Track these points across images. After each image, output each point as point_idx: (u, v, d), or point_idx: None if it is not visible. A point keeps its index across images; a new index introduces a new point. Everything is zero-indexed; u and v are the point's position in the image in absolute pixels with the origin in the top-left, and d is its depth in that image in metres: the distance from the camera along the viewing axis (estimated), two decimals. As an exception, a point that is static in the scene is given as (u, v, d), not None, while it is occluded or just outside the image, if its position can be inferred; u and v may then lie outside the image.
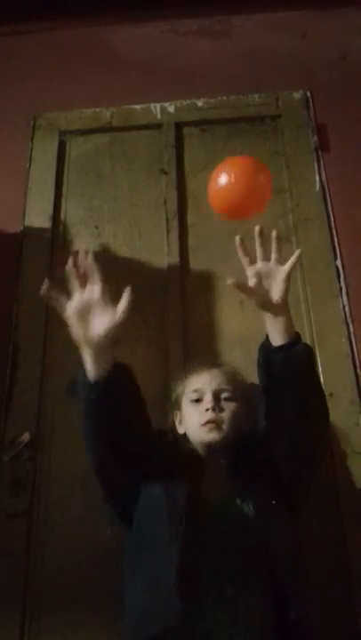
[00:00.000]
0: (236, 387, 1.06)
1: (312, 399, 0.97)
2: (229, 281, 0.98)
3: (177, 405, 1.10)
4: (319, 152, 1.58)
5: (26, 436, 1.30)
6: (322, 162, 1.57)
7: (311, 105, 1.65)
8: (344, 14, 1.80)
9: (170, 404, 1.13)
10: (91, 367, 0.93)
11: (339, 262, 1.43)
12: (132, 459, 0.96)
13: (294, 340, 0.94)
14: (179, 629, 0.80)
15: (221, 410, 1.01)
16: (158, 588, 0.84)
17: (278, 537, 0.91)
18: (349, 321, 1.36)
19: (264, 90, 1.68)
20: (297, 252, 0.99)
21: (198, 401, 1.04)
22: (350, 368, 1.31)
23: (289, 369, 0.93)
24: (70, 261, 0.97)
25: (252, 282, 1.00)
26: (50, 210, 1.56)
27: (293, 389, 0.94)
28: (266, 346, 0.97)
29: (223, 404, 1.02)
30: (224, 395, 1.03)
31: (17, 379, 1.37)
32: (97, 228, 1.56)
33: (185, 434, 1.06)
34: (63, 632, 1.15)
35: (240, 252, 1.01)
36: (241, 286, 0.99)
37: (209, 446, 1.01)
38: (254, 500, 0.94)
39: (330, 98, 1.66)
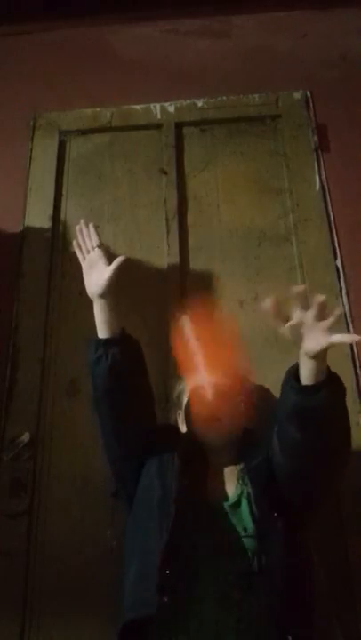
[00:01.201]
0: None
1: (327, 448, 0.86)
2: (267, 303, 0.89)
3: (179, 404, 1.10)
4: (319, 152, 1.58)
5: (26, 436, 1.30)
6: (322, 162, 1.57)
7: (311, 105, 1.65)
8: (344, 14, 1.80)
9: (172, 403, 1.14)
10: (101, 326, 1.04)
11: (339, 262, 1.43)
12: (139, 430, 1.01)
13: (319, 386, 0.83)
14: (163, 621, 0.82)
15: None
16: (144, 577, 0.87)
17: (278, 541, 0.90)
18: (349, 321, 1.36)
19: (264, 90, 1.68)
20: (337, 311, 0.86)
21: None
22: (350, 368, 1.31)
23: (303, 415, 0.84)
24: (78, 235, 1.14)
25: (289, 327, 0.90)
26: (50, 210, 1.56)
27: (307, 437, 0.84)
28: (290, 374, 0.89)
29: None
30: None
31: (17, 379, 1.37)
32: (97, 227, 1.55)
33: (188, 432, 1.06)
34: (63, 632, 1.15)
35: (272, 315, 0.90)
36: (275, 312, 0.90)
37: (211, 443, 1.02)
38: (257, 503, 0.93)
39: (330, 98, 1.66)
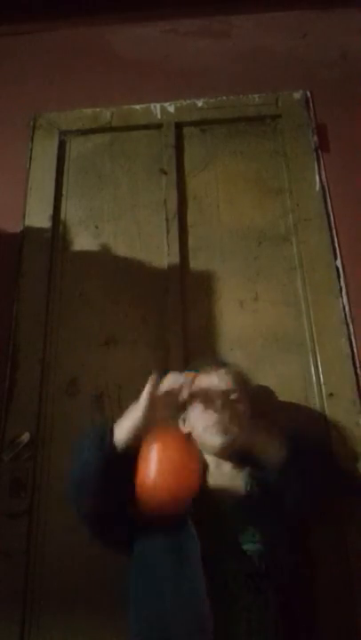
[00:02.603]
0: (243, 388, 1.06)
1: (322, 486, 0.99)
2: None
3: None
4: (319, 152, 1.58)
5: (26, 436, 1.30)
6: (322, 162, 1.56)
7: (311, 105, 1.65)
8: (344, 14, 1.80)
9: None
10: (126, 426, 0.96)
11: (339, 262, 1.43)
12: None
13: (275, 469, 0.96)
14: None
15: (229, 412, 1.01)
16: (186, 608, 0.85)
17: (282, 543, 0.92)
18: (349, 321, 1.36)
19: (264, 90, 1.68)
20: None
21: (206, 402, 1.03)
22: (350, 368, 1.31)
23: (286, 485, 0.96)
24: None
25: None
26: (50, 210, 1.56)
27: (297, 490, 0.96)
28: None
29: (231, 406, 1.02)
30: (232, 396, 1.03)
31: (17, 379, 1.37)
32: (97, 227, 1.56)
33: (190, 433, 1.05)
34: (63, 632, 1.15)
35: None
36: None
37: (217, 448, 1.02)
38: (263, 507, 0.95)
39: (330, 98, 1.66)
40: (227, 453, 1.03)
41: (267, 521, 0.94)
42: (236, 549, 0.90)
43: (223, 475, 1.03)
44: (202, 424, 1.02)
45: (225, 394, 1.02)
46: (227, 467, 1.04)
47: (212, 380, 1.05)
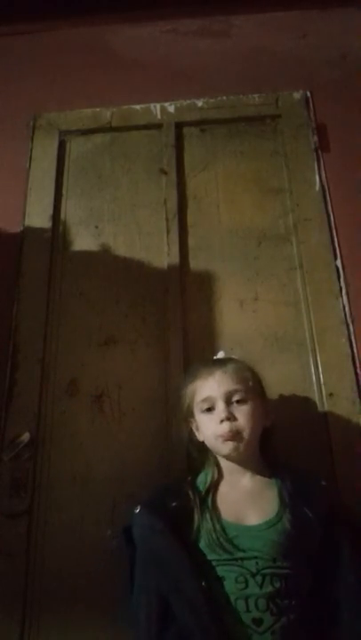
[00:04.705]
0: (247, 383, 1.00)
1: None
2: None
3: (190, 413, 1.06)
4: (319, 152, 1.58)
5: (26, 436, 1.30)
6: (322, 162, 1.56)
7: (311, 105, 1.65)
8: (344, 14, 1.80)
9: (180, 412, 1.09)
10: None
11: (339, 262, 1.43)
12: None
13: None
14: None
15: (236, 418, 0.97)
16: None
17: (303, 563, 0.90)
18: (349, 321, 1.36)
19: (264, 90, 1.68)
20: None
21: (210, 409, 1.00)
22: (350, 368, 1.31)
23: None
24: None
25: None
26: (50, 210, 1.56)
27: None
28: None
29: (236, 408, 0.98)
30: (236, 397, 0.98)
31: (17, 379, 1.37)
32: (97, 227, 1.56)
33: (203, 442, 1.04)
34: (63, 632, 1.15)
35: None
36: None
37: (229, 456, 0.99)
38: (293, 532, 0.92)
39: (330, 98, 1.66)
40: (244, 459, 1.00)
41: (291, 538, 0.90)
42: (257, 575, 0.88)
43: (242, 484, 0.99)
44: (210, 433, 0.99)
45: (227, 397, 0.99)
46: (248, 475, 1.00)
47: (211, 385, 1.01)
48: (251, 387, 1.01)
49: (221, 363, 1.06)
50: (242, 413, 0.98)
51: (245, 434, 0.97)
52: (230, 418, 0.97)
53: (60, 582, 1.19)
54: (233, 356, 1.14)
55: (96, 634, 1.13)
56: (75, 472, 1.28)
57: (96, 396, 1.35)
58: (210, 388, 1.01)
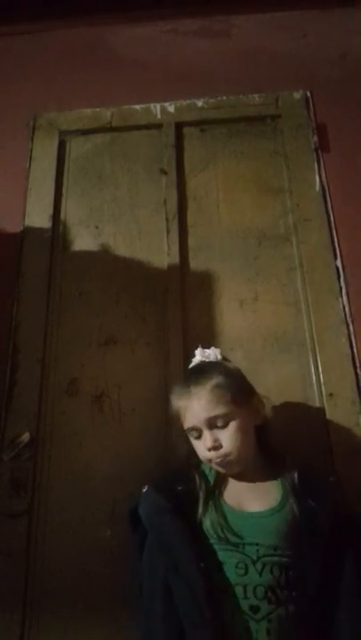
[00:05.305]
0: (226, 402, 0.98)
1: None
2: None
3: (185, 434, 1.05)
4: (319, 152, 1.58)
5: (26, 436, 1.30)
6: (322, 162, 1.56)
7: (311, 105, 1.65)
8: (344, 14, 1.80)
9: (177, 431, 1.08)
10: None
11: (339, 262, 1.43)
12: None
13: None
14: None
15: (222, 445, 0.96)
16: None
17: (310, 557, 0.90)
18: (349, 321, 1.36)
19: (264, 90, 1.68)
20: None
21: (199, 436, 1.00)
22: (350, 368, 1.31)
23: None
24: None
25: None
26: (50, 210, 1.56)
27: None
28: None
29: (221, 433, 0.97)
30: (219, 422, 0.97)
31: (17, 379, 1.37)
32: (97, 227, 1.56)
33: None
34: (63, 632, 1.15)
35: None
36: None
37: (228, 474, 1.01)
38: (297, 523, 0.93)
39: (330, 98, 1.66)
40: (241, 472, 1.01)
41: (296, 535, 0.92)
42: (257, 562, 0.90)
43: (247, 488, 1.00)
44: (202, 457, 1.01)
45: (209, 424, 0.97)
46: (251, 471, 1.01)
47: (193, 413, 0.99)
48: (232, 400, 0.98)
49: (197, 381, 1.02)
50: (227, 437, 0.97)
51: (233, 456, 0.97)
52: (216, 447, 0.97)
53: (60, 582, 1.19)
54: (206, 359, 1.11)
55: (96, 634, 1.13)
56: (75, 472, 1.28)
57: (96, 396, 1.35)
58: (192, 416, 0.99)
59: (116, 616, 1.14)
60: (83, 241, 1.54)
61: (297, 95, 1.66)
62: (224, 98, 1.68)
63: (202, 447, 0.99)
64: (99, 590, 1.17)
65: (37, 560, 1.21)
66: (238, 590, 0.88)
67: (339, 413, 1.26)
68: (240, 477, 1.01)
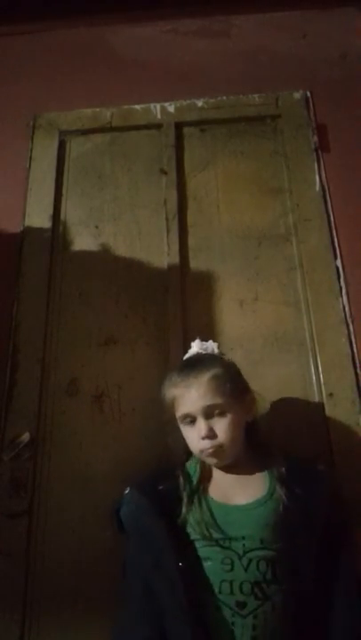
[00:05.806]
0: (224, 393, 0.98)
1: None
2: None
3: (174, 420, 1.05)
4: (319, 152, 1.58)
5: (26, 436, 1.30)
6: (322, 162, 1.57)
7: (311, 105, 1.65)
8: (344, 14, 1.80)
9: (164, 417, 1.08)
10: None
11: (339, 262, 1.43)
12: None
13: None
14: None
15: (216, 435, 0.97)
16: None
17: (302, 550, 0.90)
18: (349, 321, 1.36)
19: (264, 90, 1.68)
20: None
21: (192, 422, 0.99)
22: (350, 368, 1.31)
23: None
24: None
25: None
26: (50, 210, 1.56)
27: None
28: None
29: (216, 422, 0.97)
30: (216, 411, 0.97)
31: (17, 379, 1.37)
32: (97, 227, 1.56)
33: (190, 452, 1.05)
34: (63, 632, 1.15)
35: None
36: None
37: (216, 466, 1.01)
38: (287, 516, 0.93)
39: (330, 98, 1.66)
40: (231, 460, 1.01)
41: (286, 525, 0.91)
42: (243, 557, 0.90)
43: (233, 481, 1.00)
44: (193, 446, 1.00)
45: (206, 413, 0.97)
46: (238, 466, 1.01)
47: (189, 400, 0.99)
48: (229, 393, 0.98)
49: (197, 370, 1.02)
50: (222, 428, 0.97)
51: (226, 447, 0.97)
52: (211, 436, 0.97)
53: (60, 582, 1.19)
54: (204, 351, 1.11)
55: (96, 634, 1.13)
56: (75, 472, 1.28)
57: (96, 396, 1.35)
58: (189, 403, 0.99)
59: (115, 616, 1.13)
60: (83, 241, 1.54)
61: (297, 95, 1.66)
62: (224, 98, 1.68)
63: (194, 436, 0.99)
64: (99, 590, 1.17)
65: (37, 560, 1.21)
66: (225, 586, 0.88)
67: (339, 413, 1.26)
68: (227, 470, 1.01)
